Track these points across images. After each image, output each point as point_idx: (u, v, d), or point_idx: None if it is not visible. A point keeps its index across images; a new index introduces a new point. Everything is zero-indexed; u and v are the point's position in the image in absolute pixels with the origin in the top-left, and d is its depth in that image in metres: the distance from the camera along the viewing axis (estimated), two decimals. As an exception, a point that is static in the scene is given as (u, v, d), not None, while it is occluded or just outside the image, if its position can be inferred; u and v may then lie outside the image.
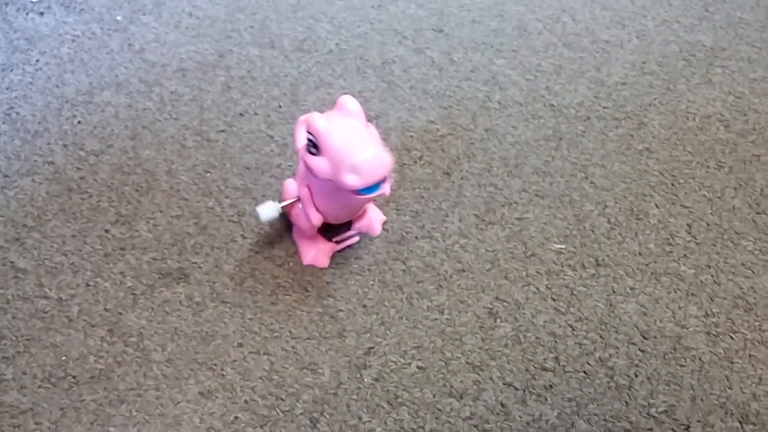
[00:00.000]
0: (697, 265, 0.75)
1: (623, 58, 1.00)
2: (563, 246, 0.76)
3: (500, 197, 0.81)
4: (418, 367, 0.66)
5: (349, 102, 0.62)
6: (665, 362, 0.67)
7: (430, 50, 1.01)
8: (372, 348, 0.67)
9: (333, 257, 0.74)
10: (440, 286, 0.72)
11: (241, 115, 0.90)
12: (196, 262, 0.73)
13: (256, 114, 0.90)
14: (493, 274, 0.73)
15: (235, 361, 0.66)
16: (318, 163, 0.60)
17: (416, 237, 0.76)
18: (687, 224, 0.79)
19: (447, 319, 0.69)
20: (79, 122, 0.87)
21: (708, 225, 0.78)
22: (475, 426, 0.62)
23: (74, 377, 0.64)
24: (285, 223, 0.76)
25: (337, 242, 0.74)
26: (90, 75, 0.94)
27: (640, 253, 0.76)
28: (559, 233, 0.77)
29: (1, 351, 0.66)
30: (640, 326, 0.69)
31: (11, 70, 0.94)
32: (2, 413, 0.61)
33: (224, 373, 0.65)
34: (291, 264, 0.73)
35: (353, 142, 0.58)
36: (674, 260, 0.75)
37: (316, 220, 0.68)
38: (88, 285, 0.71)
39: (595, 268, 0.74)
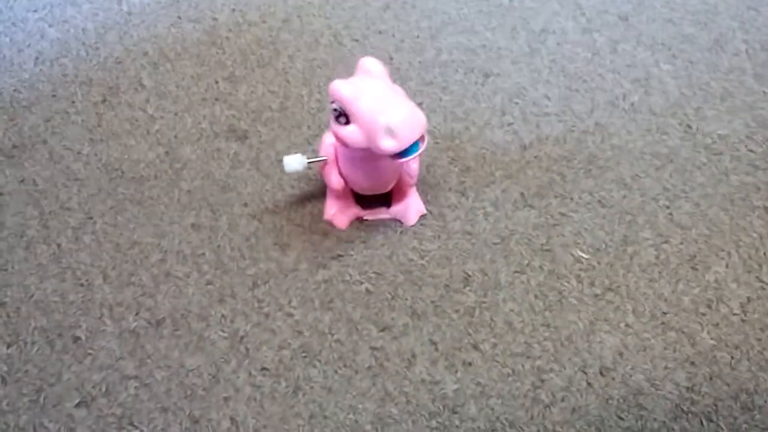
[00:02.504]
0: (725, 340, 0.65)
1: (817, 109, 0.86)
2: (587, 256, 0.72)
3: (559, 188, 0.78)
4: (367, 290, 0.70)
5: (371, 63, 0.63)
6: (605, 406, 0.61)
7: (599, 34, 0.97)
8: (341, 256, 0.73)
9: (353, 223, 0.75)
10: (438, 236, 0.74)
11: (379, 33, 0.98)
12: (260, 131, 0.85)
13: (392, 36, 0.98)
14: (497, 248, 0.73)
15: (232, 215, 0.76)
16: (349, 132, 0.60)
17: (450, 188, 0.78)
18: (747, 297, 0.68)
19: (422, 265, 0.72)
20: (255, -4, 1.04)
21: (773, 309, 0.67)
22: (374, 357, 0.65)
23: (123, 173, 0.81)
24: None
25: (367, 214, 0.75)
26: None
27: (665, 299, 0.68)
28: (593, 244, 0.73)
29: (91, 134, 0.85)
30: (605, 361, 0.64)
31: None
32: (60, 175, 0.80)
33: (217, 217, 0.76)
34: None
35: (384, 104, 0.59)
36: (699, 323, 0.67)
37: (336, 184, 0.70)
38: (176, 114, 0.87)
39: (604, 290, 0.69)
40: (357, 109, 0.60)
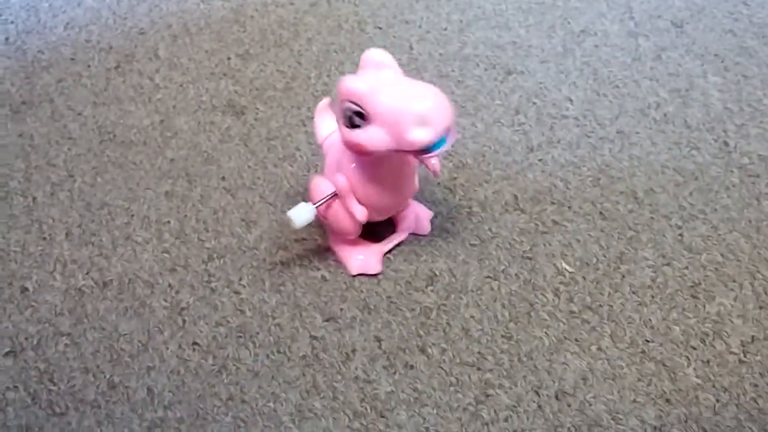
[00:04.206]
0: (713, 380, 0.57)
1: None
2: (572, 270, 0.66)
3: (559, 194, 0.72)
4: (322, 277, 0.67)
5: (379, 54, 0.57)
6: (547, 427, 0.55)
7: (646, 39, 0.90)
8: (305, 239, 0.70)
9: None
10: (419, 240, 0.70)
11: (406, 22, 0.96)
12: (258, 108, 0.84)
13: (418, 27, 0.95)
14: (473, 250, 0.68)
15: (207, 187, 0.76)
16: (370, 134, 0.54)
17: (439, 183, 0.74)
18: (751, 336, 0.60)
19: (387, 258, 0.68)
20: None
21: (780, 353, 0.59)
22: (311, 346, 0.61)
23: (114, 136, 0.82)
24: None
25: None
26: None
27: (652, 327, 0.61)
28: (582, 257, 0.66)
29: (96, 97, 0.87)
30: (564, 384, 0.58)
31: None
32: (56, 133, 0.83)
33: (192, 188, 0.75)
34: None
35: (408, 93, 0.54)
36: (687, 357, 0.59)
37: (361, 214, 0.62)
38: (181, 85, 0.88)
39: (582, 308, 0.63)
40: (377, 105, 0.53)
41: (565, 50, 0.89)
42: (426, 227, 0.69)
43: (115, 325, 0.64)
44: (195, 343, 0.62)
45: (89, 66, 0.92)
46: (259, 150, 0.79)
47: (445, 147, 0.55)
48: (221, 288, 0.66)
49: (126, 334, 0.63)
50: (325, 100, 0.71)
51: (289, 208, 0.62)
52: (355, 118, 0.55)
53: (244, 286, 0.66)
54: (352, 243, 0.67)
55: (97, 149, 0.81)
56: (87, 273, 0.68)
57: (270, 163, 0.78)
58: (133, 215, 0.73)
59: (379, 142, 0.55)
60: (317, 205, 0.62)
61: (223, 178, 0.76)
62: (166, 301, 0.66)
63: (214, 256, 0.69)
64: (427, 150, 0.55)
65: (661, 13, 0.94)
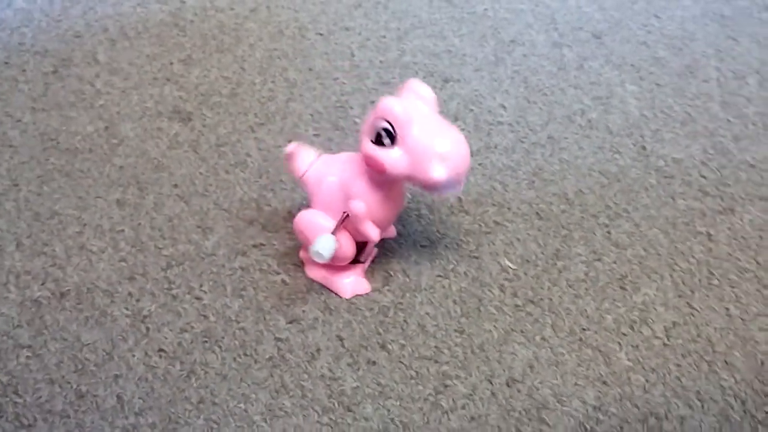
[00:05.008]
0: (642, 362, 0.64)
1: (780, 141, 0.85)
2: (515, 267, 0.71)
3: (499, 197, 0.78)
4: (283, 281, 0.69)
5: (422, 88, 0.60)
6: (505, 417, 0.60)
7: (569, 49, 0.97)
8: (263, 245, 0.72)
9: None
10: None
11: (346, 29, 0.99)
12: (205, 115, 0.86)
13: (358, 34, 0.98)
14: (423, 251, 0.72)
15: (160, 194, 0.77)
16: (393, 156, 0.57)
17: (387, 187, 0.78)
18: (672, 322, 0.67)
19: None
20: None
21: (697, 336, 0.66)
22: (277, 348, 0.64)
23: (58, 143, 0.81)
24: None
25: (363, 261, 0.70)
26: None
27: (587, 316, 0.67)
28: (523, 255, 0.72)
29: (34, 102, 0.86)
30: (513, 372, 0.63)
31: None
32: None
33: (144, 195, 0.76)
34: (268, 183, 0.81)
35: (438, 131, 0.58)
36: (619, 343, 0.65)
37: (376, 234, 0.64)
38: (123, 91, 0.88)
39: (525, 301, 0.68)
40: (408, 132, 0.57)
41: (497, 59, 0.95)
42: (393, 231, 0.73)
43: (76, 335, 0.65)
44: (161, 350, 0.64)
45: (24, 70, 0.91)
46: (210, 156, 0.81)
47: (456, 191, 0.59)
48: (182, 295, 0.68)
49: (89, 344, 0.64)
50: (294, 144, 0.68)
51: (310, 246, 0.62)
52: (384, 136, 0.58)
53: (206, 292, 0.68)
54: (337, 269, 0.68)
55: (41, 157, 0.80)
56: (42, 284, 0.68)
57: (221, 169, 0.79)
58: (85, 224, 0.73)
59: (398, 166, 0.58)
60: (334, 230, 0.63)
61: (176, 186, 0.78)
62: (127, 309, 0.67)
63: (173, 263, 0.70)
64: (437, 188, 0.59)
65: (582, 24, 1.02)
